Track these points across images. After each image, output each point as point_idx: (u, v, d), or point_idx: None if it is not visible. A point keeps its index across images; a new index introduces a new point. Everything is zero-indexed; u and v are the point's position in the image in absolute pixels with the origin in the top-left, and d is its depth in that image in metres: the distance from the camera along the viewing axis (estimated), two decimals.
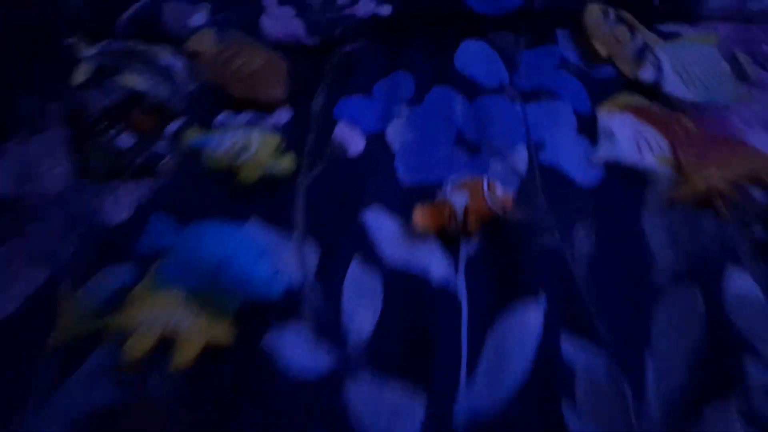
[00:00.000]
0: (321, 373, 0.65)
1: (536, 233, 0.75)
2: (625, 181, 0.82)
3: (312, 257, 0.74)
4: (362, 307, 0.70)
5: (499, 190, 0.76)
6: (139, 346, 0.66)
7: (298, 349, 0.66)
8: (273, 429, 0.62)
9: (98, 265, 0.72)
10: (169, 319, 0.67)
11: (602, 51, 0.95)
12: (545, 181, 0.82)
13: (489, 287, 0.72)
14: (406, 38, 0.97)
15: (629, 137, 0.86)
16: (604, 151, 0.85)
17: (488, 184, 0.76)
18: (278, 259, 0.72)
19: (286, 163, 0.81)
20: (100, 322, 0.67)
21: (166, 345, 0.66)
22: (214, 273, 0.68)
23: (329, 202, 0.79)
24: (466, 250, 0.75)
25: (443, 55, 0.95)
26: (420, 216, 0.75)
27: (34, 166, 0.81)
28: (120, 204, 0.79)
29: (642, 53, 0.95)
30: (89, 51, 0.92)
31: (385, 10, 0.95)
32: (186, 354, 0.66)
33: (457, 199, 0.75)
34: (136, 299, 0.68)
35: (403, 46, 0.97)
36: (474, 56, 0.95)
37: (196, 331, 0.67)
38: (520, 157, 0.84)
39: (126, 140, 0.84)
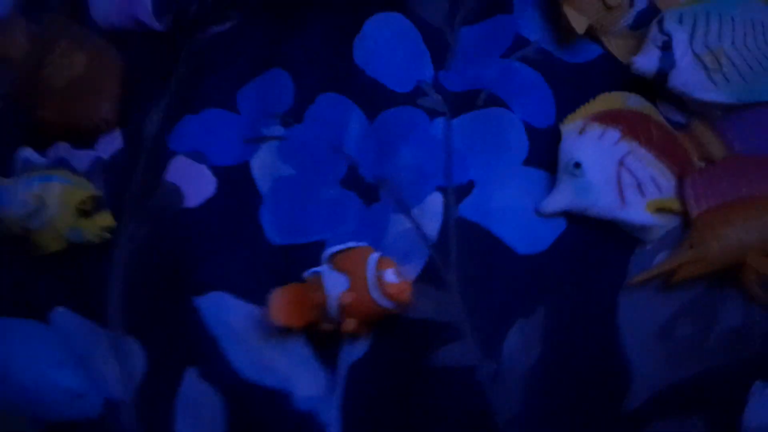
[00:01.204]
0: None
1: (441, 342, 0.57)
2: (594, 245, 0.59)
3: (137, 364, 0.61)
4: None
5: (390, 274, 0.56)
6: None
7: None
8: None
9: None
10: None
11: (578, 23, 0.64)
12: (466, 249, 0.60)
13: (369, 425, 0.57)
14: (296, 13, 0.71)
15: (607, 170, 0.59)
16: (562, 197, 0.59)
17: (378, 262, 0.56)
18: (89, 367, 0.61)
19: (99, 225, 0.64)
20: None
21: None
22: None
23: (157, 281, 0.63)
24: (346, 360, 0.58)
25: (340, 39, 0.69)
26: (278, 305, 0.58)
27: None
28: None
29: (643, 24, 0.65)
30: None
31: None
32: None
33: (332, 284, 0.56)
34: None
35: (286, 26, 0.71)
36: (383, 41, 0.68)
37: None
38: (433, 211, 0.61)
39: None
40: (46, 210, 0.62)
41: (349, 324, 0.56)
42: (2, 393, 0.59)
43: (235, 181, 0.65)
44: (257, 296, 0.59)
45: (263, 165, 0.66)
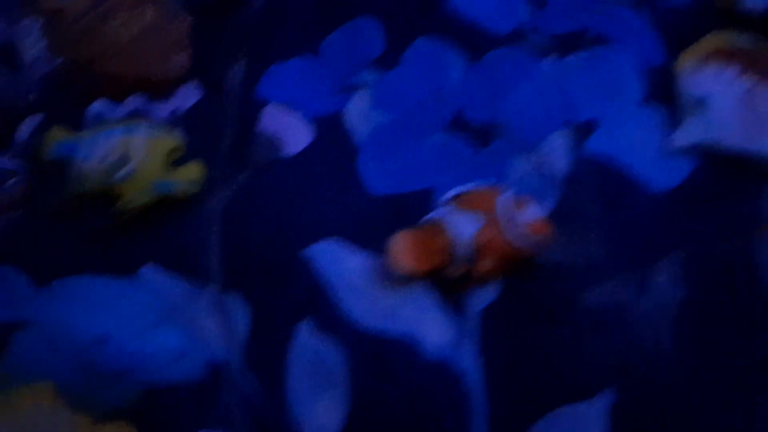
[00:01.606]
0: None
1: (588, 281, 0.55)
2: (727, 179, 0.58)
3: (240, 321, 0.57)
4: (319, 398, 0.54)
5: (529, 211, 0.54)
6: None
7: None
8: None
9: None
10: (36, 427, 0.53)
11: None
12: (600, 188, 0.58)
13: (515, 370, 0.54)
14: None
15: (733, 104, 0.59)
16: (691, 131, 0.59)
17: (510, 201, 0.54)
18: (187, 326, 0.57)
19: (188, 177, 0.60)
20: None
21: None
22: (88, 355, 0.56)
23: (258, 233, 0.59)
24: (477, 305, 0.56)
25: None
26: (402, 250, 0.55)
27: None
28: None
29: None
30: None
31: None
32: None
33: (461, 224, 0.54)
34: None
35: None
36: None
37: None
38: (558, 151, 0.60)
39: None
40: (130, 162, 0.58)
41: (485, 264, 0.53)
42: (98, 355, 0.54)
43: (329, 130, 0.63)
44: (368, 244, 0.57)
45: (358, 114, 0.64)
